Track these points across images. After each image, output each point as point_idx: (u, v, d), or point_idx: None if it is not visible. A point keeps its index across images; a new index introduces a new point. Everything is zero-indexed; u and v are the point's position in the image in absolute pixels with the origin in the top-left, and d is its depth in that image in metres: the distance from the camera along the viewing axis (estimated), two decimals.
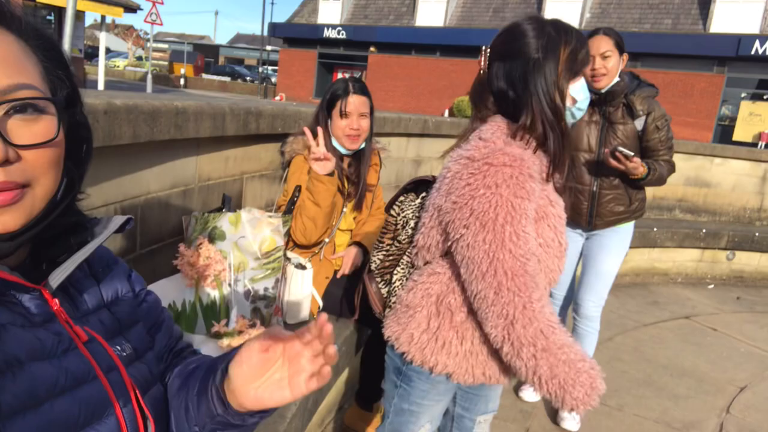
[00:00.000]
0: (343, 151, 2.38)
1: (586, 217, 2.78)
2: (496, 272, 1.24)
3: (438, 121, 4.43)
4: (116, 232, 0.77)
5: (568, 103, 1.36)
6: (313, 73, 27.46)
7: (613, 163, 2.51)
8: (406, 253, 1.58)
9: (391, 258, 1.62)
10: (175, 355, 0.94)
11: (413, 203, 1.60)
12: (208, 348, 1.41)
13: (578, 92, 1.38)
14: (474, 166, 1.28)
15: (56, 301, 0.70)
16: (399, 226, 1.60)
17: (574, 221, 2.78)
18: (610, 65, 2.54)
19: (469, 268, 1.28)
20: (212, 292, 1.66)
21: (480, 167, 1.27)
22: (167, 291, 1.63)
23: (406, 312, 1.50)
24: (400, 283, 1.59)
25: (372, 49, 25.46)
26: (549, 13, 21.30)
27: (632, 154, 2.49)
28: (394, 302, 1.58)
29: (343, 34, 25.83)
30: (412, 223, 1.57)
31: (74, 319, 0.73)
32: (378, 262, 1.65)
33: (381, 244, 1.65)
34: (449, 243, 1.35)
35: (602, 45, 2.53)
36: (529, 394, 3.01)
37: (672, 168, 2.70)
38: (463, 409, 1.67)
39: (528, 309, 1.25)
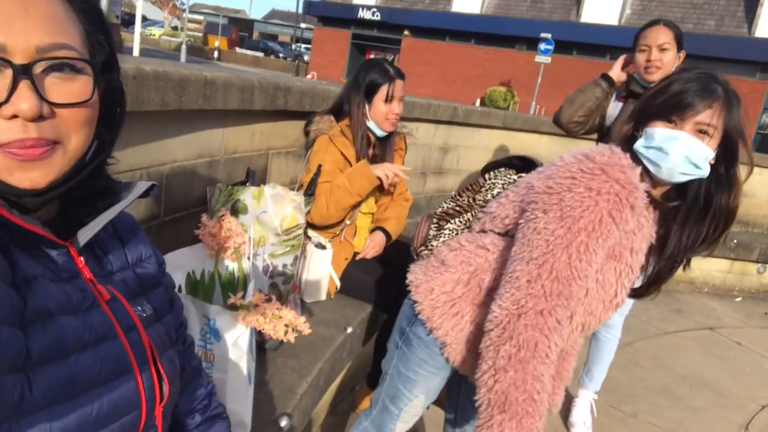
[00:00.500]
0: (379, 133, 2.38)
1: None
2: (542, 264, 1.19)
3: (468, 109, 4.36)
4: (140, 197, 0.78)
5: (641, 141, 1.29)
6: (345, 54, 27.38)
7: None
8: (472, 212, 1.57)
9: (457, 208, 1.61)
10: (179, 336, 0.98)
11: (509, 177, 1.58)
12: (223, 319, 1.40)
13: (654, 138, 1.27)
14: (587, 165, 1.22)
15: (81, 259, 0.72)
16: (484, 188, 1.59)
17: None
18: (666, 59, 2.40)
19: (522, 248, 1.24)
20: (231, 264, 1.65)
21: (593, 169, 1.21)
22: (187, 259, 1.62)
23: (438, 267, 1.49)
24: (449, 235, 1.58)
25: (406, 32, 25.25)
26: (588, 8, 20.86)
27: None
28: (432, 249, 1.58)
29: (377, 16, 25.66)
30: (496, 191, 1.55)
31: (98, 277, 0.75)
32: (445, 207, 1.65)
33: (458, 197, 1.65)
34: (519, 222, 1.31)
35: (661, 36, 2.40)
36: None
37: None
38: (467, 398, 1.64)
39: (543, 317, 1.18)
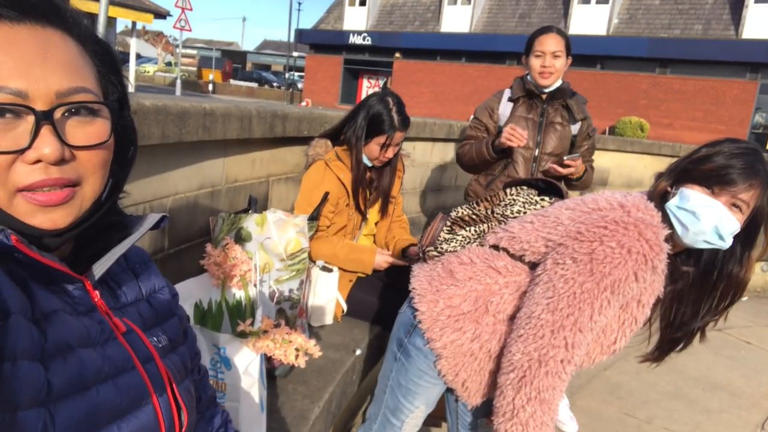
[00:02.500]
0: (369, 165, 2.41)
1: None
2: (567, 317, 1.22)
3: (463, 126, 4.40)
4: (151, 229, 0.80)
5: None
6: (338, 79, 27.64)
7: (559, 170, 2.54)
8: (488, 224, 1.57)
9: (474, 217, 1.60)
10: (194, 366, 0.98)
11: (531, 197, 1.58)
12: (233, 347, 1.41)
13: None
14: (621, 218, 1.24)
15: (97, 292, 0.73)
16: (504, 203, 1.59)
17: None
18: (558, 65, 2.54)
19: (547, 294, 1.25)
20: (238, 292, 1.66)
21: (626, 224, 1.22)
22: (194, 290, 1.63)
23: (446, 279, 1.48)
24: (460, 243, 1.57)
25: (397, 55, 25.52)
26: (576, 19, 21.11)
27: (578, 155, 2.54)
28: (441, 252, 1.57)
29: (368, 40, 25.96)
30: (515, 209, 1.55)
31: (113, 310, 0.76)
32: (461, 212, 1.64)
33: (475, 206, 1.64)
34: (542, 258, 1.32)
35: (554, 44, 2.53)
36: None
37: (593, 173, 2.78)
38: (464, 406, 1.64)
39: (562, 365, 1.23)
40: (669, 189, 1.34)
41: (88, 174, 0.67)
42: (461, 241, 1.58)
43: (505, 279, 1.40)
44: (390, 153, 2.35)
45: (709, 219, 1.25)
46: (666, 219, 1.30)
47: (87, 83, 0.67)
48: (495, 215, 1.58)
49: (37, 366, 0.60)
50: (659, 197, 1.35)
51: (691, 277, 1.38)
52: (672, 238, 1.30)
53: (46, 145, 0.62)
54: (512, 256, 1.43)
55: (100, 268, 0.73)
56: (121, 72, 0.76)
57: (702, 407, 3.15)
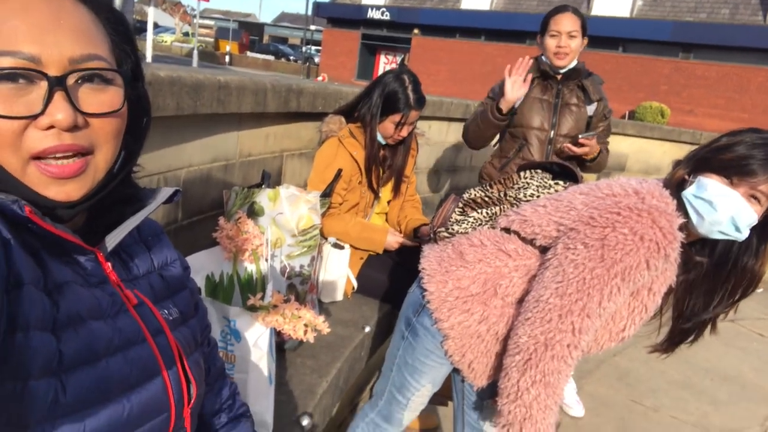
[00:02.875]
0: (382, 143, 2.39)
1: None
2: (576, 302, 1.21)
3: None
4: (165, 202, 0.80)
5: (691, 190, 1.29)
6: (355, 54, 27.38)
7: (573, 149, 2.49)
8: (501, 207, 1.55)
9: (486, 199, 1.57)
10: (204, 338, 0.98)
11: (545, 180, 1.54)
12: (243, 320, 1.42)
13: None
14: (635, 204, 1.22)
15: (109, 264, 0.73)
16: (517, 186, 1.56)
17: None
18: (574, 45, 2.48)
19: (556, 278, 1.24)
20: (249, 266, 1.66)
21: (640, 211, 1.20)
22: (206, 262, 1.64)
23: (455, 260, 1.48)
24: (472, 224, 1.55)
25: (415, 31, 25.21)
26: (599, 0, 20.66)
27: (593, 134, 2.47)
28: (452, 233, 1.56)
29: (386, 15, 25.64)
30: (528, 192, 1.52)
31: (125, 282, 0.76)
32: (473, 194, 1.61)
33: (488, 188, 1.61)
34: (552, 242, 1.31)
35: (570, 23, 2.46)
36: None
37: (608, 155, 2.73)
38: (470, 387, 1.64)
39: (569, 350, 1.22)
40: (686, 177, 1.31)
41: (101, 142, 0.67)
42: (472, 223, 1.57)
43: (515, 262, 1.39)
44: (404, 132, 2.33)
45: (726, 209, 1.22)
46: (681, 207, 1.28)
47: (100, 51, 0.66)
48: (507, 198, 1.56)
49: (49, 336, 0.60)
50: (676, 185, 1.32)
51: (704, 267, 1.36)
52: (687, 227, 1.28)
53: (59, 110, 0.61)
54: (523, 239, 1.41)
55: (112, 240, 0.73)
56: (135, 42, 0.75)
57: (710, 398, 3.14)
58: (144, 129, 0.79)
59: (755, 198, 1.23)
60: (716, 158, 1.27)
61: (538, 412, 1.25)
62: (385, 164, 2.45)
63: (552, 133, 2.60)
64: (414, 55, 25.30)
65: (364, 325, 2.23)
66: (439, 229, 1.61)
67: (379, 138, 2.36)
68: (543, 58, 2.58)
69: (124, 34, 0.72)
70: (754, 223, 1.25)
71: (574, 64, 2.55)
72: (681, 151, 5.99)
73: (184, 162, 1.99)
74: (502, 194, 1.58)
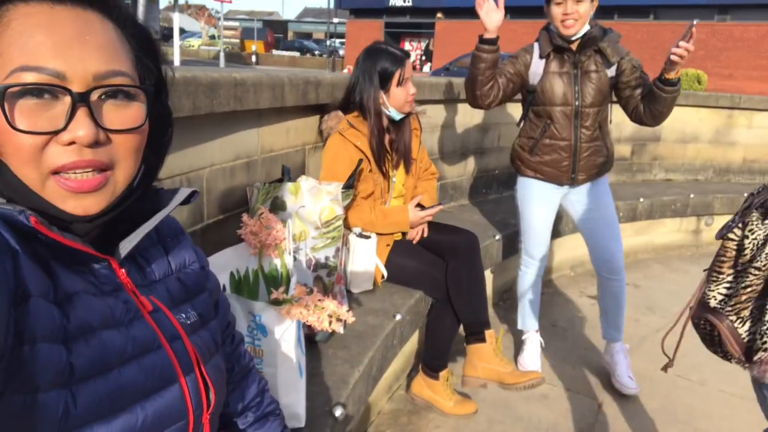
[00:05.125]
0: (398, 117, 2.38)
1: (568, 173, 2.63)
2: None
3: None
4: (182, 203, 0.80)
5: None
6: None
7: (680, 52, 2.19)
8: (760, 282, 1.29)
9: (748, 290, 1.30)
10: (227, 336, 0.98)
11: (763, 224, 1.30)
12: (268, 314, 1.43)
13: None
14: None
15: (123, 271, 0.73)
16: (747, 251, 1.30)
17: (553, 178, 2.66)
18: (582, 10, 2.34)
19: None
20: (274, 261, 1.67)
21: None
22: (231, 259, 1.65)
23: None
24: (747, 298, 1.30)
25: (439, 15, 24.92)
26: None
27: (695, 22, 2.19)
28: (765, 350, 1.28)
29: (409, 2, 25.44)
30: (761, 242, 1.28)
31: (141, 287, 0.75)
32: (720, 297, 1.37)
33: (719, 275, 1.38)
34: None
35: None
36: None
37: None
38: None
39: None
40: None
41: (121, 158, 0.67)
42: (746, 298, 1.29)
43: None
44: (411, 87, 2.33)
45: None
46: None
47: (124, 67, 0.67)
48: (763, 269, 1.28)
49: (59, 348, 0.60)
50: None
51: None
52: None
53: (81, 127, 0.62)
54: None
55: (126, 247, 0.73)
56: (159, 57, 0.76)
57: None
58: (167, 142, 0.80)
59: None
60: None
61: None
62: (393, 148, 2.44)
63: (576, 105, 2.51)
64: (438, 39, 25.04)
65: (395, 314, 2.22)
66: (755, 357, 1.32)
67: (393, 114, 2.35)
68: (552, 28, 2.48)
69: (148, 49, 0.73)
70: None
71: (586, 29, 2.43)
72: (718, 116, 5.75)
73: (206, 161, 2.01)
74: (751, 269, 1.29)
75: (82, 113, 0.62)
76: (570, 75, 2.50)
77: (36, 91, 0.61)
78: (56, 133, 0.61)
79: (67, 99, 0.62)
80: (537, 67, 2.56)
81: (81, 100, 0.62)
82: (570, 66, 2.50)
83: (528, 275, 2.89)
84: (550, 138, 2.59)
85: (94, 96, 0.63)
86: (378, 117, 2.32)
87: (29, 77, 0.60)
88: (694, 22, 2.18)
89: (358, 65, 2.35)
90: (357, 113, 2.34)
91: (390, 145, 2.43)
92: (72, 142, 0.62)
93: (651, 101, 2.41)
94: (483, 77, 2.48)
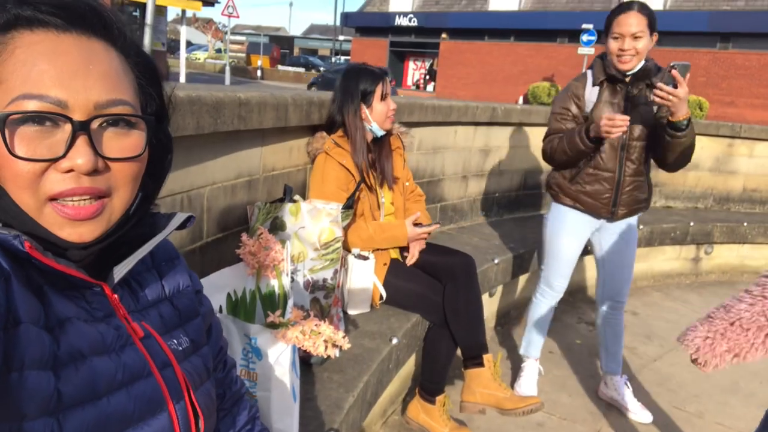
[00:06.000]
0: (380, 133, 2.42)
1: (608, 206, 2.58)
2: None
3: (508, 108, 4.29)
4: (178, 228, 0.79)
5: None
6: (385, 62, 27.49)
7: (660, 94, 2.16)
8: None
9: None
10: (219, 362, 0.97)
11: None
12: (264, 337, 1.42)
13: None
14: None
15: (116, 297, 0.73)
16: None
17: (592, 210, 2.61)
18: (640, 47, 2.33)
19: None
20: (271, 282, 1.66)
21: None
22: (229, 279, 1.65)
23: None
24: None
25: (444, 35, 25.16)
26: None
27: (688, 64, 2.15)
28: None
29: (414, 22, 25.69)
30: None
31: (134, 312, 0.75)
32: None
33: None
34: None
35: (635, 24, 2.31)
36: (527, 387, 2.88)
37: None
38: None
39: None
40: None
41: (119, 186, 0.68)
42: None
43: None
44: (392, 103, 2.38)
45: None
46: None
47: (126, 95, 0.67)
48: None
49: (48, 375, 0.60)
50: None
51: None
52: None
53: (80, 155, 0.62)
54: None
55: (120, 272, 0.72)
56: (162, 85, 0.76)
57: (760, 401, 3.00)
58: (166, 168, 0.80)
59: None
60: None
61: None
62: (375, 165, 2.46)
63: (624, 137, 2.47)
64: (443, 59, 25.25)
65: (391, 337, 2.21)
66: None
67: (376, 129, 2.39)
68: (609, 59, 2.45)
69: (150, 77, 0.73)
70: None
71: (641, 64, 2.42)
72: (719, 145, 5.75)
73: (208, 179, 2.02)
74: None
75: (82, 141, 0.63)
76: (620, 106, 2.47)
77: (37, 118, 0.61)
78: (55, 160, 0.62)
79: (68, 127, 0.62)
80: (591, 94, 2.54)
81: (81, 128, 0.62)
82: (621, 98, 2.48)
83: (542, 305, 2.86)
84: (594, 168, 2.55)
85: (95, 124, 0.64)
86: (361, 134, 2.35)
87: (31, 105, 0.61)
88: (672, 65, 2.14)
89: (340, 84, 2.40)
90: (341, 133, 2.37)
91: (372, 164, 2.46)
92: (71, 170, 0.62)
93: (663, 147, 2.41)
94: (576, 158, 2.53)
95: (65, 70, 0.62)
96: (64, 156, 0.62)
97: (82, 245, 0.66)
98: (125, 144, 0.67)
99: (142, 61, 0.73)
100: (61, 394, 0.60)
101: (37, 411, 0.58)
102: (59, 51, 0.62)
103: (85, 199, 0.64)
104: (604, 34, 2.45)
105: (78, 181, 0.63)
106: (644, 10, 2.35)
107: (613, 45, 2.37)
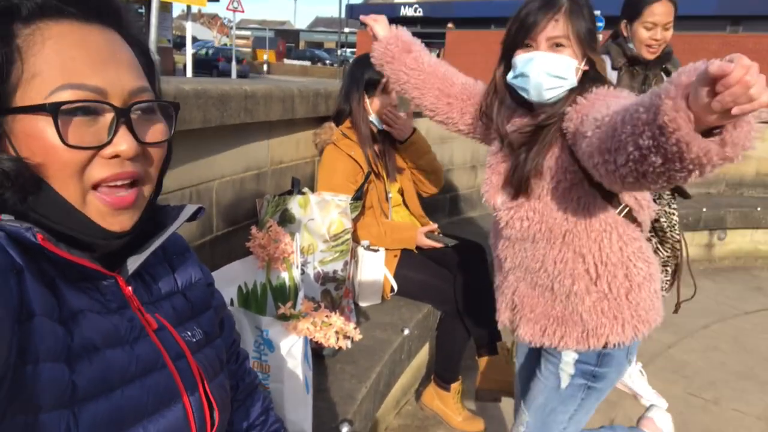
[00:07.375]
0: (379, 126, 2.40)
1: None
2: None
3: None
4: (188, 220, 0.80)
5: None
6: None
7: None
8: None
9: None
10: (232, 354, 0.98)
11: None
12: (275, 329, 1.41)
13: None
14: None
15: (130, 288, 0.73)
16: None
17: None
18: (668, 36, 2.30)
19: None
20: (282, 274, 1.66)
21: None
22: (239, 273, 1.65)
23: None
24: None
25: (449, 25, 25.01)
26: None
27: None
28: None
29: (420, 12, 25.57)
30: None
31: (147, 305, 0.75)
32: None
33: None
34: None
35: (668, 14, 2.26)
36: None
37: None
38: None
39: None
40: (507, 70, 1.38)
41: (151, 171, 0.70)
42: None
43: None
44: (395, 98, 2.37)
45: (536, 70, 1.28)
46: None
47: (147, 83, 0.70)
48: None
49: (62, 367, 0.60)
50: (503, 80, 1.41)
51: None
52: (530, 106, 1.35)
53: (124, 141, 0.65)
54: None
55: (134, 262, 0.72)
56: (157, 76, 0.79)
57: None
58: (167, 161, 0.81)
59: (558, 45, 1.27)
60: (509, 36, 1.37)
61: None
62: (383, 156, 2.45)
63: None
64: (449, 49, 25.09)
65: (403, 328, 2.20)
66: None
67: (375, 121, 2.36)
68: (629, 44, 2.39)
69: (151, 69, 0.75)
70: (576, 64, 1.29)
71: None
72: None
73: (216, 173, 2.01)
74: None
75: (123, 127, 0.65)
76: (638, 90, 2.44)
77: (85, 108, 0.63)
78: (101, 147, 0.64)
79: (109, 114, 0.64)
80: (611, 78, 2.52)
81: (122, 115, 0.65)
82: (639, 82, 2.44)
83: None
84: None
85: (133, 111, 0.66)
86: (366, 123, 2.34)
87: (74, 95, 0.62)
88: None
89: (350, 73, 2.39)
90: (349, 123, 2.35)
91: (378, 156, 2.44)
92: (115, 155, 0.64)
93: None
94: None
95: (97, 59, 0.64)
96: (109, 143, 0.64)
97: (121, 234, 0.68)
98: (156, 129, 0.70)
99: (145, 54, 0.74)
100: (75, 387, 0.60)
101: (52, 403, 0.58)
102: (89, 41, 0.64)
103: (126, 184, 0.66)
104: (627, 18, 2.37)
105: (122, 166, 0.65)
106: (673, 0, 2.31)
107: (645, 34, 2.31)
